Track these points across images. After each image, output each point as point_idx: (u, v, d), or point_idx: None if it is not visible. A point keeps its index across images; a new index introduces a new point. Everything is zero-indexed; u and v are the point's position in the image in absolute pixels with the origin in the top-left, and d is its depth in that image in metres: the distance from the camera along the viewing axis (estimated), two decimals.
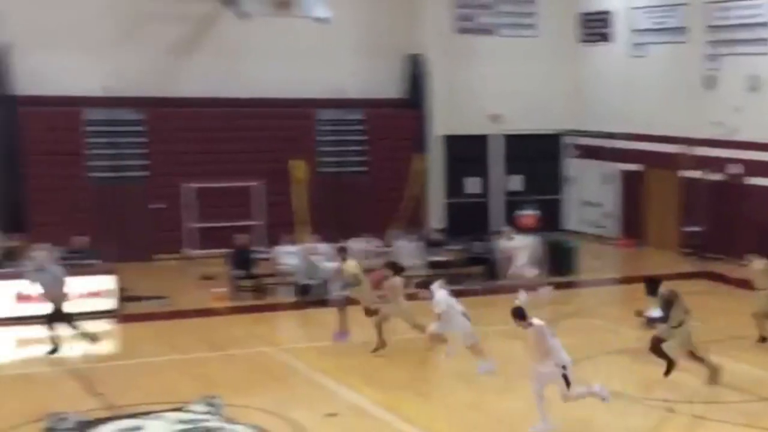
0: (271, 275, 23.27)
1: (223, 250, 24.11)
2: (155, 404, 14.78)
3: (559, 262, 25.39)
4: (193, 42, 29.13)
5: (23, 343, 18.86)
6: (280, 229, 25.81)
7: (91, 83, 27.60)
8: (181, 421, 14.06)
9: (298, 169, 28.81)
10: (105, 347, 19.28)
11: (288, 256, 23.43)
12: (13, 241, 24.67)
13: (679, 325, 15.78)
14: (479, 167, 32.02)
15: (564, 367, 13.40)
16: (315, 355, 18.04)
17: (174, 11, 28.55)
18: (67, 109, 27.54)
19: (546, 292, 22.27)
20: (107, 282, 21.42)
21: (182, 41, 28.97)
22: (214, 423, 14.01)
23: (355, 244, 24.21)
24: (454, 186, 31.67)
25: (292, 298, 22.63)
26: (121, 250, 24.14)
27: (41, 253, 18.99)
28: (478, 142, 31.86)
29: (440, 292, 17.08)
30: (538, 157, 32.22)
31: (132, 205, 27.70)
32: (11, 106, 27.00)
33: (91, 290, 21.17)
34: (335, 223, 27.30)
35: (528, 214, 27.75)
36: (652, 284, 16.17)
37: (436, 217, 30.87)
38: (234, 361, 17.83)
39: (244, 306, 22.03)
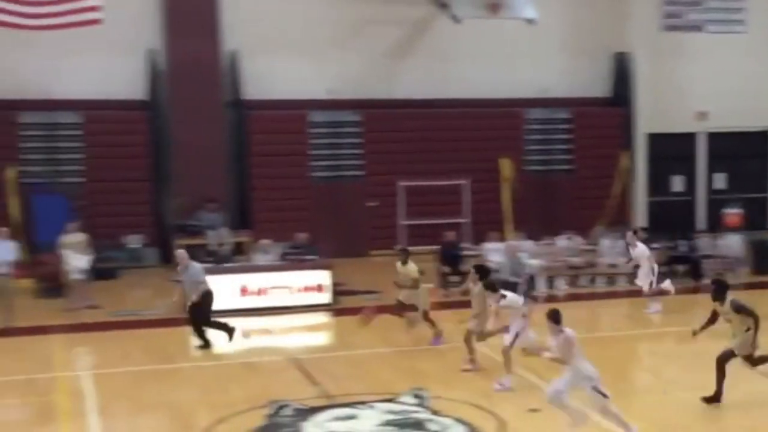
0: None
1: (432, 247, 24.30)
2: (367, 394, 15.05)
3: (763, 261, 24.67)
4: (408, 45, 29.56)
5: (248, 333, 19.60)
6: (487, 227, 25.99)
7: (313, 87, 28.41)
8: (391, 412, 14.25)
9: (506, 167, 28.92)
10: (322, 339, 19.94)
11: (494, 252, 23.50)
12: (240, 236, 25.74)
13: (746, 330, 14.55)
14: (684, 165, 31.42)
15: (588, 380, 12.88)
16: (519, 351, 17.98)
17: (391, 16, 29.07)
18: (292, 112, 28.43)
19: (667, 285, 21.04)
20: (324, 277, 21.92)
21: (398, 45, 29.44)
22: (421, 415, 14.13)
23: (560, 242, 24.18)
24: (658, 184, 31.15)
25: None
26: (338, 246, 24.79)
27: (181, 252, 19.27)
28: (684, 139, 31.21)
29: (511, 295, 16.48)
30: (743, 154, 31.35)
31: (349, 202, 28.42)
32: (240, 110, 28.06)
33: (309, 284, 21.78)
34: (540, 220, 27.31)
35: (733, 213, 27.03)
36: (720, 288, 14.72)
37: (640, 215, 30.43)
38: (441, 354, 17.92)
39: (451, 301, 22.22)
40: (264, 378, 16.61)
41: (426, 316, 18.51)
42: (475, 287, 16.88)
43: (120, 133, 27.15)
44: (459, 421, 13.89)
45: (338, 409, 14.49)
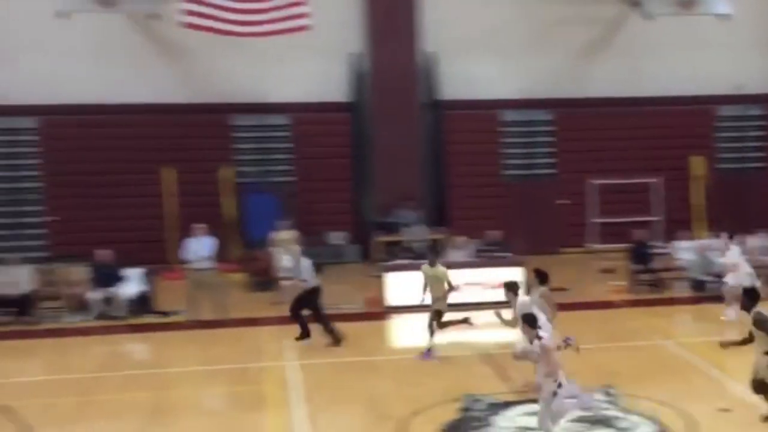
0: (668, 270, 22.83)
1: (622, 245, 23.93)
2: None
3: None
4: (599, 44, 29.08)
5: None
6: (678, 225, 25.41)
7: (506, 86, 28.32)
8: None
9: (697, 165, 28.12)
10: (515, 335, 19.81)
11: (684, 251, 22.96)
12: (436, 234, 25.92)
13: (764, 353, 13.06)
14: None
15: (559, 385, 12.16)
16: (710, 350, 17.41)
17: (583, 16, 28.65)
18: (485, 111, 28.40)
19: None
20: (516, 274, 21.72)
21: (590, 44, 29.00)
22: (611, 412, 13.94)
23: (752, 241, 23.37)
24: None
25: (687, 293, 22.18)
26: (530, 244, 24.63)
27: (294, 248, 19.25)
28: None
29: (523, 297, 15.69)
30: None
31: (540, 200, 28.21)
32: (437, 111, 28.22)
33: (501, 281, 21.65)
34: (732, 219, 26.43)
35: None
36: (749, 298, 13.21)
37: None
38: (631, 352, 17.61)
39: (641, 299, 21.76)
40: (458, 372, 16.65)
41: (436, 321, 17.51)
42: (534, 293, 15.96)
43: (324, 134, 27.75)
44: (649, 419, 13.61)
45: (529, 405, 14.37)
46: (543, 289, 15.84)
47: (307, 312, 18.46)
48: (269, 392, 15.71)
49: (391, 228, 26.38)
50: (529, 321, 12.67)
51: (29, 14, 25.94)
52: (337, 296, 20.98)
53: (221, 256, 20.42)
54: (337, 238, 26.93)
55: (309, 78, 27.63)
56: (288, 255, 19.29)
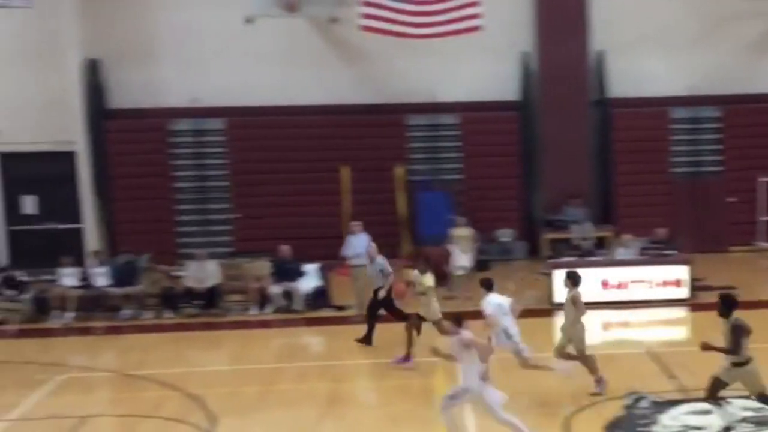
0: None
1: None
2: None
3: None
4: None
5: (608, 326, 19.45)
6: None
7: (675, 83, 27.55)
8: (747, 409, 13.81)
9: None
10: (680, 333, 19.46)
11: None
12: (603, 231, 25.57)
13: (746, 362, 12.48)
14: None
15: (465, 390, 12.05)
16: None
17: (754, 9, 27.55)
18: (654, 109, 27.72)
19: None
20: (683, 272, 21.35)
21: (759, 38, 27.94)
22: None
23: None
24: None
25: None
26: (697, 242, 24.03)
27: (372, 246, 19.12)
28: None
29: (492, 297, 15.01)
30: None
31: (708, 198, 27.40)
32: (605, 108, 27.76)
33: (667, 279, 21.30)
34: None
35: None
36: (725, 304, 12.75)
37: None
38: None
39: None
40: (622, 370, 16.41)
41: (409, 330, 17.30)
42: (568, 294, 15.35)
43: (493, 132, 27.64)
44: None
45: (694, 404, 14.16)
46: (574, 292, 15.29)
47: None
48: (439, 386, 15.85)
49: (559, 225, 26.13)
50: (454, 319, 12.80)
51: (219, 22, 26.78)
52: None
53: (393, 252, 20.58)
54: (504, 235, 26.84)
55: (479, 77, 27.54)
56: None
